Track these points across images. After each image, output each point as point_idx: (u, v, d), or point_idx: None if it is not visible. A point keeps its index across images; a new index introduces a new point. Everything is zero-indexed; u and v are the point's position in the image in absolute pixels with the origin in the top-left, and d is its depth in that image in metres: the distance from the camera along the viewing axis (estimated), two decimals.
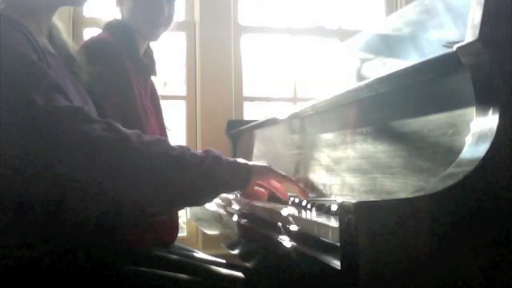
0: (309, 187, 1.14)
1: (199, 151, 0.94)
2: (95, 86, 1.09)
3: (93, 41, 1.32)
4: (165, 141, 0.89)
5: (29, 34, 0.88)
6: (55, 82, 0.83)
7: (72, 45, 1.08)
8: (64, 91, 0.84)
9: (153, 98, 1.51)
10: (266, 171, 1.03)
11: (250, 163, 1.01)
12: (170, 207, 0.97)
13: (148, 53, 1.48)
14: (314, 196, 1.19)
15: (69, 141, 0.78)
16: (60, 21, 1.07)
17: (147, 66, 1.44)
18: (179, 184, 0.86)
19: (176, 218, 1.39)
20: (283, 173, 1.07)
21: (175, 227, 1.37)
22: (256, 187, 1.08)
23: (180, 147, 0.90)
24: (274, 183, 1.06)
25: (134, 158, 0.81)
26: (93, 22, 2.23)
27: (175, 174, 0.85)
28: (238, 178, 0.96)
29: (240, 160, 1.00)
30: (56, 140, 0.77)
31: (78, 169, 0.78)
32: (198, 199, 0.93)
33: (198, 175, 0.88)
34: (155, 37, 1.44)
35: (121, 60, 1.29)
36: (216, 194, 0.95)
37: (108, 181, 0.80)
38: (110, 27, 1.39)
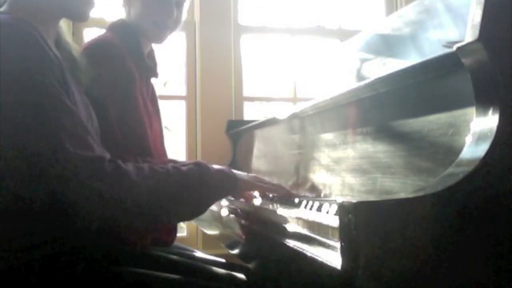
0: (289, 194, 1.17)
1: (188, 163, 1.04)
2: (97, 88, 1.09)
3: (97, 42, 1.31)
4: (166, 170, 0.96)
5: (45, 42, 0.89)
6: (81, 125, 0.89)
7: (74, 47, 1.08)
8: (88, 131, 0.90)
9: (154, 100, 1.51)
10: (251, 182, 1.11)
11: (237, 172, 1.08)
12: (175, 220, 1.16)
13: (150, 55, 1.48)
14: (314, 196, 1.19)
15: (81, 193, 0.83)
16: (62, 22, 1.07)
17: (150, 68, 1.43)
18: (176, 205, 0.96)
19: None
20: (266, 182, 1.15)
21: (173, 227, 1.37)
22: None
23: (174, 169, 0.98)
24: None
25: (139, 201, 0.89)
26: (93, 22, 2.23)
27: (181, 198, 0.96)
28: (226, 187, 1.05)
29: (226, 169, 1.07)
30: (70, 187, 0.83)
31: (86, 214, 0.85)
32: (191, 211, 1.01)
33: (192, 191, 0.98)
34: (161, 39, 1.43)
35: (125, 62, 1.28)
36: (205, 204, 1.02)
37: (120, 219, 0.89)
38: (115, 28, 1.38)
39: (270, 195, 1.17)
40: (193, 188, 0.97)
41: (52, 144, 0.83)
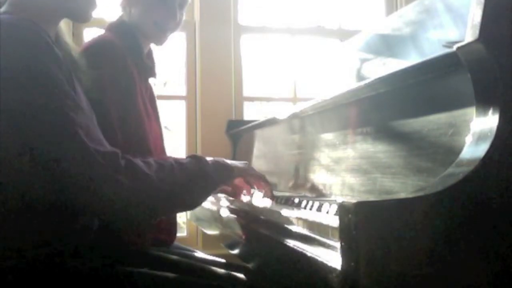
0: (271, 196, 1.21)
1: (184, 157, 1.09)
2: (97, 88, 1.09)
3: (97, 42, 1.31)
4: (170, 163, 1.00)
5: (52, 41, 0.89)
6: (92, 122, 0.92)
7: (73, 48, 1.08)
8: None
9: (152, 100, 1.51)
10: (245, 169, 1.17)
11: (230, 161, 1.14)
12: (177, 211, 1.22)
13: (149, 55, 1.48)
14: (314, 196, 1.19)
15: (100, 187, 0.86)
16: (62, 22, 1.07)
17: (149, 68, 1.43)
18: (185, 195, 1.00)
19: (174, 219, 1.38)
20: (259, 174, 1.20)
21: (173, 227, 1.37)
22: (240, 185, 1.22)
23: (180, 166, 1.01)
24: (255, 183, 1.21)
25: (153, 193, 0.93)
26: (93, 22, 2.23)
27: (185, 189, 1.00)
28: (223, 174, 1.10)
29: (221, 159, 1.12)
30: (90, 182, 0.85)
31: (103, 206, 0.88)
32: (196, 201, 1.04)
33: (196, 181, 1.02)
34: (162, 41, 1.43)
35: (125, 62, 1.28)
36: (208, 193, 1.07)
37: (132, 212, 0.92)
38: (114, 28, 1.38)
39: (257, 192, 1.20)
40: (196, 178, 1.01)
41: (74, 143, 0.84)
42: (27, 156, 0.84)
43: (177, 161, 1.02)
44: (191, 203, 1.04)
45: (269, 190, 1.20)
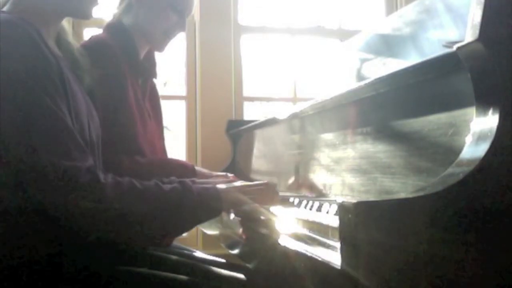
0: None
1: (173, 182, 0.98)
2: (88, 86, 1.09)
3: (91, 42, 1.32)
4: (149, 187, 0.92)
5: (43, 41, 0.88)
6: (67, 131, 0.87)
7: (76, 47, 1.08)
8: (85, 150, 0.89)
9: (153, 100, 1.50)
10: (236, 200, 1.03)
11: (220, 188, 1.02)
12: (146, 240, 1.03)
13: (149, 55, 1.48)
14: (314, 196, 1.19)
15: (54, 202, 0.83)
16: (64, 21, 1.07)
17: (147, 69, 1.43)
18: (162, 221, 0.92)
19: None
20: (251, 190, 1.06)
21: None
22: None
23: (155, 186, 0.94)
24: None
25: (134, 212, 0.89)
26: (93, 22, 2.23)
27: (164, 216, 0.92)
28: (209, 208, 0.99)
29: (210, 188, 1.00)
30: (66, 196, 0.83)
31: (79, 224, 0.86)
32: (175, 231, 1.00)
33: (173, 212, 0.93)
34: (163, 48, 1.43)
35: (117, 62, 1.28)
36: (191, 225, 1.00)
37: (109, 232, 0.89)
38: (110, 28, 1.38)
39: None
40: (172, 208, 0.93)
41: (29, 149, 0.82)
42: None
43: (158, 185, 0.94)
44: (158, 233, 0.95)
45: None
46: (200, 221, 1.01)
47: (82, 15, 1.01)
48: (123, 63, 1.30)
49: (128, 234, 0.91)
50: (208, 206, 0.98)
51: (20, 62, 0.84)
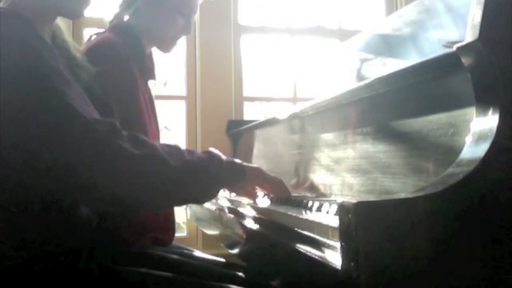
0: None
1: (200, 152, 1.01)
2: (99, 87, 1.08)
3: (101, 42, 1.30)
4: (179, 148, 0.95)
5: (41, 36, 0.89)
6: (84, 96, 0.89)
7: (73, 45, 1.08)
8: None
9: (151, 101, 1.51)
10: (258, 174, 1.09)
11: (245, 164, 1.07)
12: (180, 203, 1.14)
13: (149, 57, 1.48)
14: (314, 196, 1.19)
15: (103, 153, 0.82)
16: (61, 21, 1.07)
17: (150, 70, 1.43)
18: (193, 186, 0.95)
19: (172, 217, 1.38)
20: (272, 176, 1.12)
21: (172, 226, 1.37)
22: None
23: (189, 151, 0.96)
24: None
25: (160, 169, 0.88)
26: (93, 22, 2.23)
27: (190, 178, 0.94)
28: (234, 176, 1.04)
29: (236, 160, 1.06)
30: (92, 150, 0.82)
31: (110, 180, 0.83)
32: (203, 198, 1.02)
33: (205, 176, 0.96)
34: (170, 49, 1.44)
35: (128, 63, 1.28)
36: (216, 191, 1.02)
37: (135, 191, 0.86)
38: (117, 29, 1.37)
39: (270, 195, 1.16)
40: (204, 168, 0.96)
41: (68, 114, 0.82)
42: (21, 144, 0.81)
43: (185, 149, 0.97)
44: (194, 195, 0.98)
45: (284, 194, 1.12)
46: (220, 185, 1.02)
47: (73, 14, 1.00)
48: (133, 64, 1.30)
49: (170, 184, 0.90)
50: (232, 171, 1.02)
51: (23, 44, 0.85)
